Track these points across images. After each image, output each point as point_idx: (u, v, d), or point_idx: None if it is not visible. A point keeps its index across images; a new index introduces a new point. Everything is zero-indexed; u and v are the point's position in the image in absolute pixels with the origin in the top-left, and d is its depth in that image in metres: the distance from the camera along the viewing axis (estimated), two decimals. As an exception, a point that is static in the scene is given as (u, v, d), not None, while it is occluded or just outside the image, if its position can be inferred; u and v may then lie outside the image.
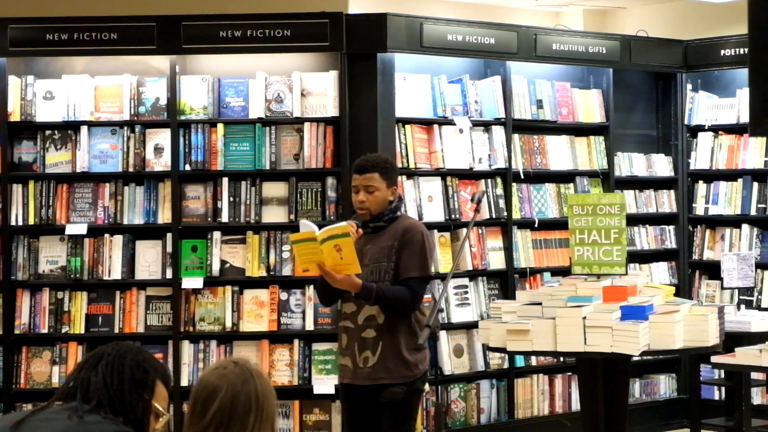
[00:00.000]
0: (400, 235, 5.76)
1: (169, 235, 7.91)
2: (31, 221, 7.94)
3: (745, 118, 9.12)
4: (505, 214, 8.62)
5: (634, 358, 6.16)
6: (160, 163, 7.96)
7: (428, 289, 6.15)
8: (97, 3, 8.37)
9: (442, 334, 8.19)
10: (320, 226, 5.60)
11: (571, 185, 9.03)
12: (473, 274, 8.45)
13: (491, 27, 8.63)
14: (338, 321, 5.96)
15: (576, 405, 8.67)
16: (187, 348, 7.88)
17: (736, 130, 9.47)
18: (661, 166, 9.67)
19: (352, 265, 5.55)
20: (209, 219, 7.95)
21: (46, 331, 7.91)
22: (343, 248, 5.50)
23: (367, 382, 5.76)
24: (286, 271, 7.90)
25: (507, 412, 8.60)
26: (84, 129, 7.94)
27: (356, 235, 5.69)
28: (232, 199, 7.93)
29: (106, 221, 7.95)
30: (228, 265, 7.94)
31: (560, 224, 8.77)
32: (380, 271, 5.75)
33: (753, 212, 9.32)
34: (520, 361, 8.64)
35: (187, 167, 7.94)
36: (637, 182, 9.53)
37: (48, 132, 7.98)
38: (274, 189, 7.97)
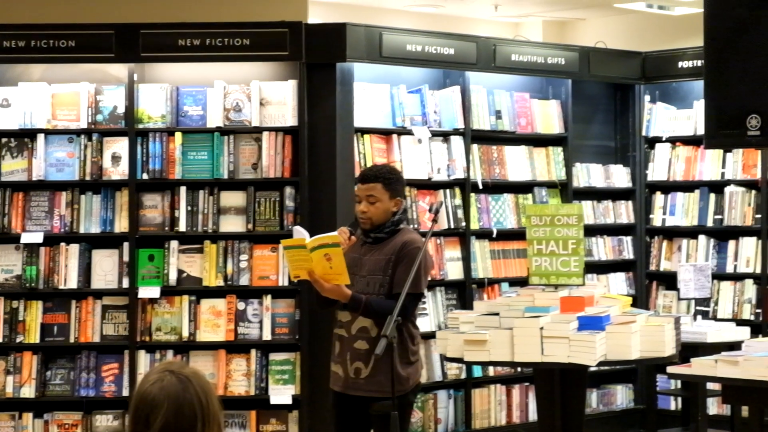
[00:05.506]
0: (398, 249, 5.70)
1: (125, 245, 7.86)
2: (-13, 229, 7.87)
3: (702, 130, 9.15)
4: (464, 224, 8.63)
5: (591, 369, 6.18)
6: (118, 172, 7.92)
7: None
8: (54, 10, 8.32)
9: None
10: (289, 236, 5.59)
11: (530, 196, 9.05)
12: (431, 285, 8.44)
13: (450, 37, 8.64)
14: (333, 327, 5.94)
15: (533, 415, 8.68)
16: (143, 358, 7.82)
17: (693, 141, 9.53)
18: (619, 177, 9.72)
19: (341, 275, 5.51)
20: (166, 228, 7.90)
21: (0, 340, 7.83)
22: (333, 258, 5.47)
23: (359, 394, 5.74)
24: (244, 280, 7.87)
25: (464, 423, 8.60)
26: (41, 137, 7.88)
27: (348, 242, 5.68)
28: (189, 208, 7.89)
29: (63, 230, 7.89)
30: (185, 274, 7.90)
31: (518, 235, 8.78)
32: (375, 284, 5.71)
33: (710, 223, 9.38)
34: (477, 372, 8.65)
35: (145, 176, 7.90)
36: (595, 193, 9.57)
37: (4, 140, 7.91)
38: (232, 198, 7.94)
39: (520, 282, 8.34)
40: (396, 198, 5.79)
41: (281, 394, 7.80)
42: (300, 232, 5.63)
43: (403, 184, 5.96)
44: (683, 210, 9.54)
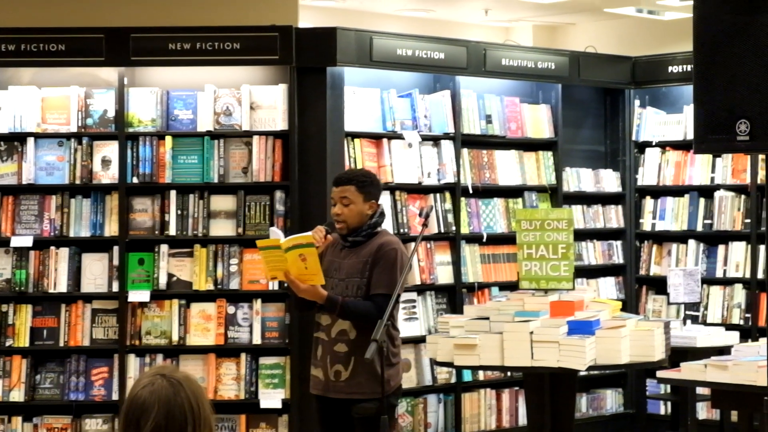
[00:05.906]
0: (374, 252, 5.73)
1: (115, 248, 7.86)
2: (-24, 233, 7.86)
3: (692, 135, 9.17)
4: (454, 228, 8.63)
5: (581, 373, 6.18)
6: (108, 176, 7.91)
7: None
8: (45, 14, 8.30)
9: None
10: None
11: (520, 200, 9.06)
12: (421, 289, 8.45)
13: (441, 42, 8.65)
14: (313, 331, 5.94)
15: (523, 419, 8.68)
16: (133, 362, 7.82)
17: (683, 146, 9.55)
18: (609, 181, 9.73)
19: (316, 276, 5.54)
20: (156, 232, 7.90)
21: (-10, 344, 7.83)
22: (308, 258, 5.49)
23: (341, 396, 5.75)
24: (234, 284, 7.87)
25: (454, 427, 8.60)
26: (30, 140, 7.87)
27: (324, 241, 5.69)
28: (179, 212, 7.89)
29: (52, 233, 7.88)
30: (175, 278, 7.89)
31: (508, 239, 8.78)
32: (353, 287, 5.72)
33: (699, 228, 9.39)
34: (467, 376, 8.65)
35: (135, 180, 7.89)
36: (585, 197, 9.58)
37: (-6, 143, 7.91)
38: (222, 202, 7.94)
39: (510, 286, 8.34)
40: (370, 201, 5.81)
41: (271, 397, 7.79)
42: (275, 233, 5.66)
43: (379, 188, 5.95)
44: (673, 214, 9.55)
